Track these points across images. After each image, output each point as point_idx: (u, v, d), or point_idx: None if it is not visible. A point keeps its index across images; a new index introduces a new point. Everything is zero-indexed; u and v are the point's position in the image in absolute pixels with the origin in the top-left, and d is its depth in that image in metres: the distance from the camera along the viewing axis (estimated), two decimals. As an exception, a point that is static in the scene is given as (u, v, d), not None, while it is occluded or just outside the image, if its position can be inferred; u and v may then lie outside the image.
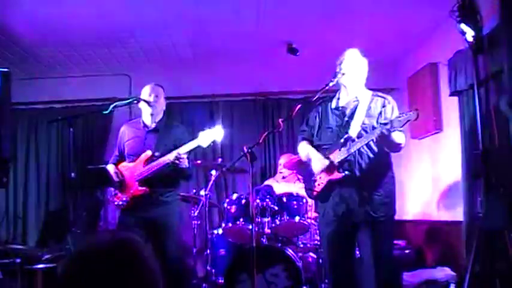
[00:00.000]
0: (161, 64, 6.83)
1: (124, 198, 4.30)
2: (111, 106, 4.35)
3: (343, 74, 3.72)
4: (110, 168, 4.44)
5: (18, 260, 4.75)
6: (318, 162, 3.74)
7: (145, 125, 4.49)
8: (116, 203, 4.36)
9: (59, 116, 6.93)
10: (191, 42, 6.21)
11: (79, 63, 6.80)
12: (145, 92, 4.46)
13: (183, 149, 4.14)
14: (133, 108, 6.24)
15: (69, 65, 6.82)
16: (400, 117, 3.34)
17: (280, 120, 3.65)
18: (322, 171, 3.72)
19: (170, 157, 4.14)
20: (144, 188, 4.25)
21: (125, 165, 4.42)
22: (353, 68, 3.74)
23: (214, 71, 7.05)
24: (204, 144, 4.19)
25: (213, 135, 4.19)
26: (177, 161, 4.14)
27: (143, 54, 6.55)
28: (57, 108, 7.20)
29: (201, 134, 4.18)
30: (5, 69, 4.41)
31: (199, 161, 5.83)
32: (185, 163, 4.21)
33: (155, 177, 4.25)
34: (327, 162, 3.67)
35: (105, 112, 4.41)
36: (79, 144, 7.10)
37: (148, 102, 4.39)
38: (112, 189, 4.40)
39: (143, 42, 6.17)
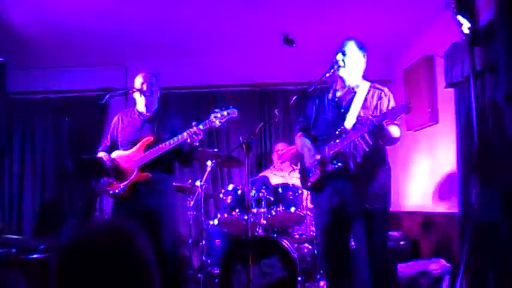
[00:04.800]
0: (157, 54, 6.81)
1: (122, 186, 4.27)
2: (107, 96, 4.34)
3: (339, 65, 3.72)
4: (103, 155, 4.41)
5: (13, 250, 4.75)
6: (310, 158, 3.75)
7: (140, 114, 4.47)
8: (111, 192, 4.33)
9: (55, 106, 6.94)
10: (186, 32, 6.18)
11: (75, 53, 6.76)
12: (138, 81, 4.44)
13: (199, 127, 4.13)
14: (129, 98, 6.22)
15: (64, 54, 6.79)
16: (392, 110, 3.36)
17: (276, 110, 3.65)
18: (314, 165, 3.73)
19: (185, 135, 4.13)
20: (146, 173, 4.25)
21: (119, 153, 4.39)
22: (350, 59, 3.74)
23: (209, 61, 7.02)
24: (217, 124, 4.17)
25: (226, 115, 4.17)
26: (194, 136, 4.11)
27: (139, 44, 6.52)
28: (53, 98, 7.17)
29: (213, 115, 4.18)
30: (0, 59, 4.40)
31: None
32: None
33: (153, 163, 4.24)
34: (318, 157, 3.68)
35: (100, 102, 4.40)
36: (74, 134, 7.09)
37: (143, 92, 4.38)
38: (106, 178, 4.38)
39: (138, 32, 6.15)
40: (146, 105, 4.44)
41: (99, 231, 1.41)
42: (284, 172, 6.25)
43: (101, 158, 4.37)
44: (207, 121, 4.16)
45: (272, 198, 5.09)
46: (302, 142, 3.93)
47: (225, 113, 4.17)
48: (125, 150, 4.37)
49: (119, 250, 1.35)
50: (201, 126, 4.12)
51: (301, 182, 4.02)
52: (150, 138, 4.29)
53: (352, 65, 3.75)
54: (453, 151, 5.12)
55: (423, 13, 5.62)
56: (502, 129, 4.17)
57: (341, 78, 3.79)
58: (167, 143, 4.19)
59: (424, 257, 5.63)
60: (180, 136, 4.15)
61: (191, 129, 4.11)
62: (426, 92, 5.80)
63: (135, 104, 4.54)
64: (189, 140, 4.14)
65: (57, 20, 5.69)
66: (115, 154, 4.39)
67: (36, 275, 4.67)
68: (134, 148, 4.31)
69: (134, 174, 4.24)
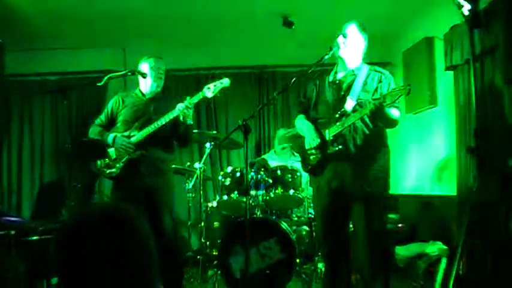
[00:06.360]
0: (156, 37, 6.77)
1: (118, 166, 4.27)
2: (105, 78, 4.31)
3: (339, 47, 3.70)
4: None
5: (12, 232, 4.75)
6: (310, 142, 3.75)
7: (143, 95, 4.44)
8: (108, 171, 4.33)
9: (53, 88, 6.91)
10: (185, 14, 6.14)
11: (74, 35, 6.72)
12: (156, 65, 4.37)
13: (190, 101, 4.11)
14: (127, 80, 6.21)
15: (63, 36, 6.75)
16: (392, 92, 3.36)
17: (275, 93, 3.64)
18: (314, 148, 3.73)
19: (176, 110, 4.11)
20: (139, 151, 4.22)
21: (117, 134, 4.36)
22: (351, 42, 3.72)
23: (209, 44, 6.99)
24: (209, 95, 4.15)
25: (218, 85, 4.14)
26: (185, 111, 4.10)
27: (138, 26, 6.48)
28: (51, 80, 7.14)
29: (205, 87, 4.15)
30: (-1, 40, 4.38)
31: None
32: (190, 118, 4.20)
33: (152, 140, 4.23)
34: (318, 141, 3.68)
35: (99, 84, 4.37)
36: (73, 116, 7.08)
37: (157, 76, 4.35)
38: (102, 159, 4.36)
39: (137, 14, 6.10)
40: (152, 87, 4.39)
41: (99, 213, 1.42)
42: (284, 156, 6.25)
43: (101, 141, 4.34)
44: (199, 93, 4.14)
45: (271, 181, 5.10)
46: (302, 124, 3.93)
47: (218, 83, 4.14)
48: (124, 130, 4.33)
49: (118, 232, 1.36)
50: (191, 100, 4.10)
51: (302, 165, 4.03)
52: (145, 118, 4.28)
53: (353, 47, 3.74)
54: (452, 134, 5.12)
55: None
56: (500, 112, 4.17)
57: (341, 60, 3.78)
58: (161, 119, 4.16)
59: (422, 240, 5.65)
60: (172, 112, 4.13)
61: (181, 104, 4.10)
62: (426, 74, 5.78)
63: (135, 87, 4.51)
64: (181, 117, 4.12)
65: (56, 1, 5.64)
66: (113, 134, 4.36)
67: (36, 257, 4.68)
68: (132, 128, 4.29)
69: (129, 152, 4.23)
